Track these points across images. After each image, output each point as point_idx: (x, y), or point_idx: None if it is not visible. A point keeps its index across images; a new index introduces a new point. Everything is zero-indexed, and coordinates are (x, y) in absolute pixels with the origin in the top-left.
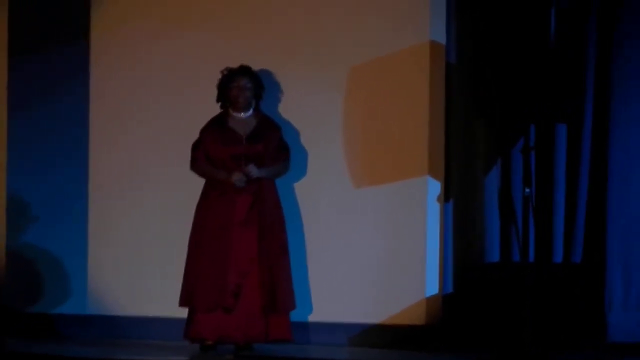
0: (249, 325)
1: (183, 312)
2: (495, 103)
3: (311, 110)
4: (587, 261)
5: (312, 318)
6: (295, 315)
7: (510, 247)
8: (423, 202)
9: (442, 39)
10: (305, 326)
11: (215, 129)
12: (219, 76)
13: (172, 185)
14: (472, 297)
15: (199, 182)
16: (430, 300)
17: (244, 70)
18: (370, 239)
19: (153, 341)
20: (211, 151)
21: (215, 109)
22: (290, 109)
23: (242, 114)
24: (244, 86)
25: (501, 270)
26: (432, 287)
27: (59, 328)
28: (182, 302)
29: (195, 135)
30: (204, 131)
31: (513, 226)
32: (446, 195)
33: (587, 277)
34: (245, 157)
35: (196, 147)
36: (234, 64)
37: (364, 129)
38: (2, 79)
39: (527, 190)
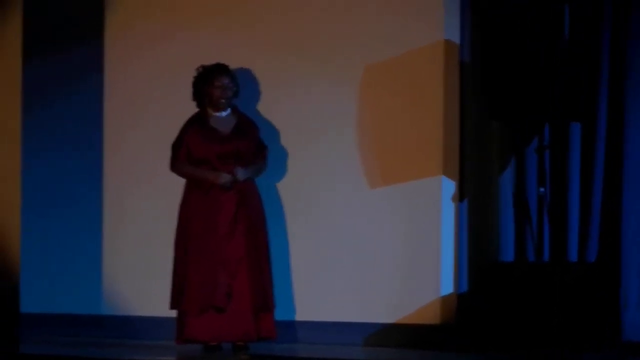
0: (240, 324)
1: None
2: (510, 102)
3: (325, 110)
4: (602, 260)
5: (328, 317)
6: (311, 315)
7: (525, 247)
8: (438, 201)
9: (456, 38)
10: (321, 326)
11: (197, 128)
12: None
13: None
14: (487, 297)
15: None
16: (445, 299)
17: (225, 69)
18: (386, 238)
19: (166, 342)
20: (195, 151)
21: None
22: (305, 108)
23: (222, 113)
24: (226, 86)
25: (516, 269)
26: (447, 286)
27: (73, 328)
28: (173, 305)
29: None
30: (185, 131)
31: (528, 225)
32: (461, 194)
33: (602, 276)
34: (229, 156)
35: (177, 147)
36: (248, 62)
37: (378, 128)
38: (17, 77)
39: (542, 189)
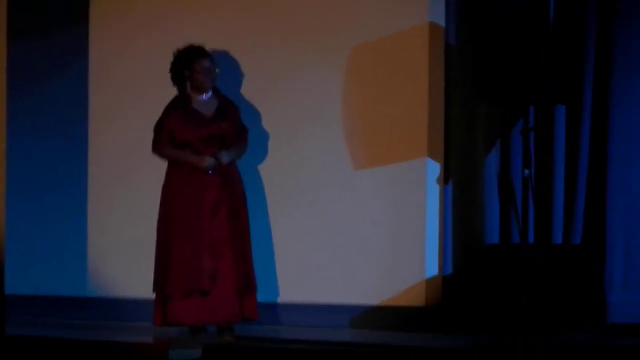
0: (224, 306)
1: None
2: (495, 84)
3: (310, 93)
4: (587, 242)
5: (314, 300)
6: (297, 297)
7: (509, 229)
8: (422, 183)
9: (441, 21)
10: (306, 308)
11: (180, 110)
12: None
13: None
14: (471, 279)
15: None
16: (430, 281)
17: (205, 52)
18: (370, 220)
19: (150, 324)
20: (177, 133)
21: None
22: (290, 91)
23: (204, 95)
24: (209, 68)
25: (501, 251)
26: (432, 268)
27: (59, 310)
28: (157, 288)
29: None
30: (167, 113)
31: (513, 208)
32: (446, 177)
33: (586, 258)
34: (212, 138)
35: (159, 129)
36: (234, 48)
37: (363, 110)
38: (1, 63)
39: (527, 171)
